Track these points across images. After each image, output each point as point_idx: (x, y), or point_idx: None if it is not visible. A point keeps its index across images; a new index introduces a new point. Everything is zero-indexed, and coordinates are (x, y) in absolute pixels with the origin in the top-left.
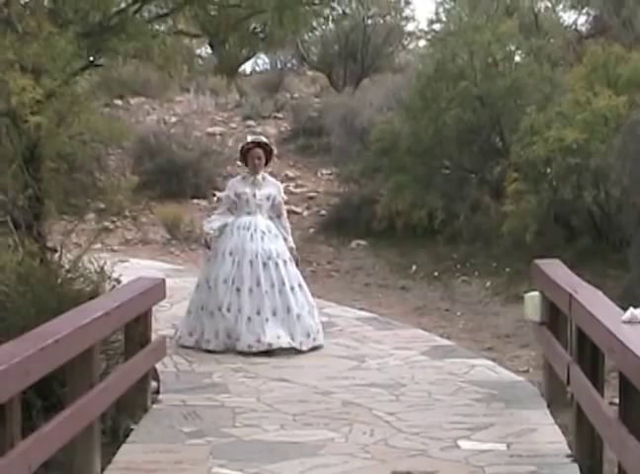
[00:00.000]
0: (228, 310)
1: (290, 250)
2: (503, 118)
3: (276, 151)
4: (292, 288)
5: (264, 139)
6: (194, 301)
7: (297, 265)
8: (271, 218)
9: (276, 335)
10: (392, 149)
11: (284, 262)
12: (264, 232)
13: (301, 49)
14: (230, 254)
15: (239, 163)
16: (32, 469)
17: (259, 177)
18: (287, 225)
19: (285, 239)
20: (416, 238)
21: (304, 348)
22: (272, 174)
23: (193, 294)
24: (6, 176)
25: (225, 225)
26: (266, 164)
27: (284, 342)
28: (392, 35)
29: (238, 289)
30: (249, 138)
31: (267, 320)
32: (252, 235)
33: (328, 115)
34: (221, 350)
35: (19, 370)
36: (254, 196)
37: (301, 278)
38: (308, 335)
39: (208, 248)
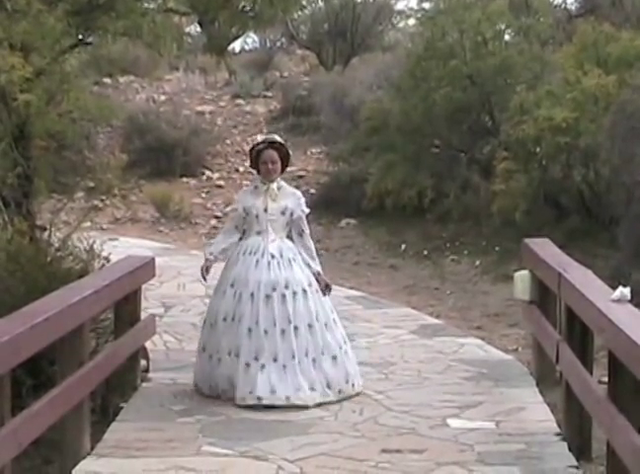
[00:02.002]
0: (229, 354)
1: (316, 275)
2: (493, 97)
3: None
4: (297, 328)
5: (278, 138)
6: (199, 342)
7: (326, 292)
8: (289, 237)
9: (269, 388)
10: (382, 128)
11: (294, 293)
12: (273, 256)
13: (291, 28)
14: (232, 286)
15: (250, 169)
16: (22, 447)
17: (273, 186)
18: (311, 245)
19: (308, 264)
20: (405, 217)
21: (309, 403)
22: None
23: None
24: None
25: (229, 247)
26: (283, 170)
27: (279, 398)
28: (382, 13)
29: (237, 329)
30: (259, 138)
31: (262, 367)
32: (258, 261)
33: (317, 93)
34: (215, 397)
35: (8, 348)
36: (265, 210)
37: (327, 314)
38: (313, 387)
39: (204, 278)
